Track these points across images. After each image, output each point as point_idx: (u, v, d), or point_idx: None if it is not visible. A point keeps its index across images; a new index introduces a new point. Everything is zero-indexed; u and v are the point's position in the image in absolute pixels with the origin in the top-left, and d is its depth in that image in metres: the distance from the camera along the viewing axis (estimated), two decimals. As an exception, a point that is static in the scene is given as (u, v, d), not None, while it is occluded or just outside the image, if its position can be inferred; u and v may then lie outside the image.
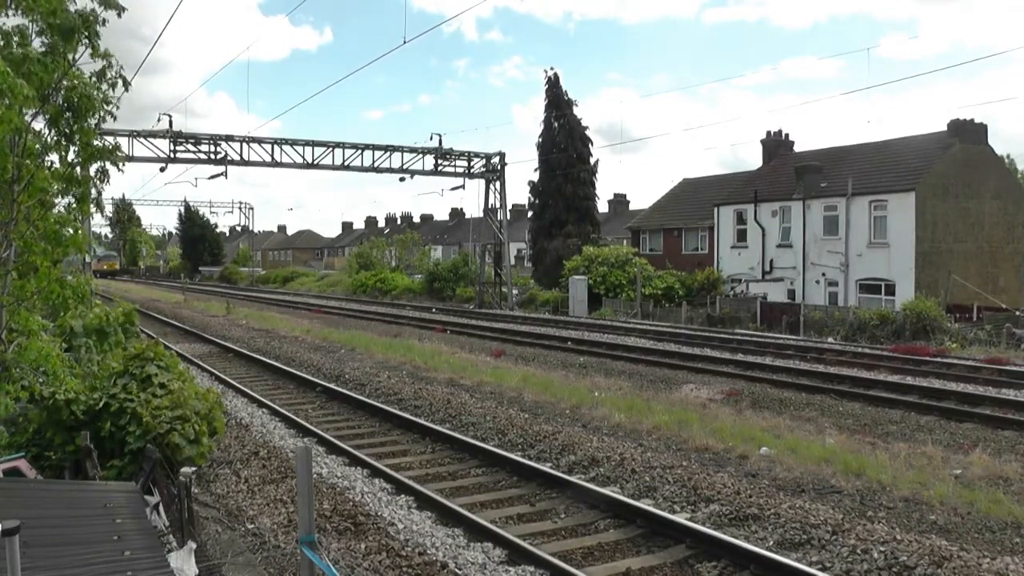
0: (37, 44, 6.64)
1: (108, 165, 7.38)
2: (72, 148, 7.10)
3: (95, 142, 7.15)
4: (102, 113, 6.99)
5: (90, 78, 6.84)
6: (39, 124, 7.00)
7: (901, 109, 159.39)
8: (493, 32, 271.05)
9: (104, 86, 6.89)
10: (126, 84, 7.01)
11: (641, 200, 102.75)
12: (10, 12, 6.43)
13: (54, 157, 7.18)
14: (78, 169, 7.23)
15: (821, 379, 16.34)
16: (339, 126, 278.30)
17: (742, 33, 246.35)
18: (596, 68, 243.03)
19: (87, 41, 6.64)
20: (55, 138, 6.98)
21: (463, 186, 40.63)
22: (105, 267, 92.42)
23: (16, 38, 6.43)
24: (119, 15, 6.81)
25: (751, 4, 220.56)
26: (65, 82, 6.71)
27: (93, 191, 7.32)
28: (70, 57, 6.69)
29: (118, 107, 7.13)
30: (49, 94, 6.67)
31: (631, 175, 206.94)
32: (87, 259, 29.41)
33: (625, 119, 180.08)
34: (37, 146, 6.90)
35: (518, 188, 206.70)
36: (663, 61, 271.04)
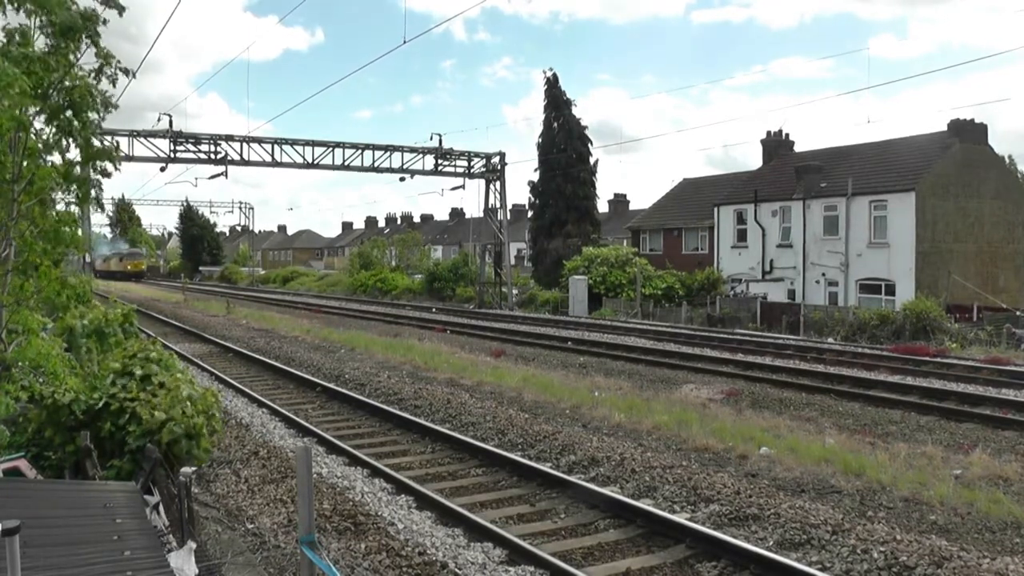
0: (41, 44, 6.66)
1: (108, 165, 7.40)
2: (72, 146, 7.12)
3: (95, 141, 7.17)
4: (101, 112, 7.01)
5: (88, 74, 6.86)
6: (39, 123, 7.02)
7: (893, 110, 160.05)
8: (482, 33, 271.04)
9: (104, 82, 6.91)
10: (127, 74, 7.02)
11: (639, 200, 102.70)
12: (10, 10, 6.45)
13: (55, 157, 7.20)
14: (78, 168, 7.24)
15: (821, 379, 16.34)
16: (332, 126, 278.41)
17: (729, 33, 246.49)
18: (585, 69, 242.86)
19: (89, 40, 6.66)
20: (56, 136, 6.99)
21: (463, 186, 40.65)
22: (129, 267, 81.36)
23: (18, 37, 6.45)
24: (120, 14, 6.84)
25: (737, 4, 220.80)
26: (67, 82, 6.73)
27: (93, 191, 7.33)
28: (71, 57, 6.71)
29: (117, 106, 7.15)
30: (50, 93, 6.69)
31: (625, 175, 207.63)
32: (87, 258, 29.38)
33: (618, 120, 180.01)
34: (39, 144, 6.91)
35: (518, 188, 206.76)
36: (652, 62, 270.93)
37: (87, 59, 6.91)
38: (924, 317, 23.49)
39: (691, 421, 11.54)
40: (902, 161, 32.72)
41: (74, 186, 7.21)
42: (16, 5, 6.38)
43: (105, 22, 6.78)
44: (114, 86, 6.99)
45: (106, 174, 7.36)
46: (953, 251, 31.20)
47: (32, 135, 6.82)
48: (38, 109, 6.73)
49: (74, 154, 7.23)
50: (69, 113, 6.84)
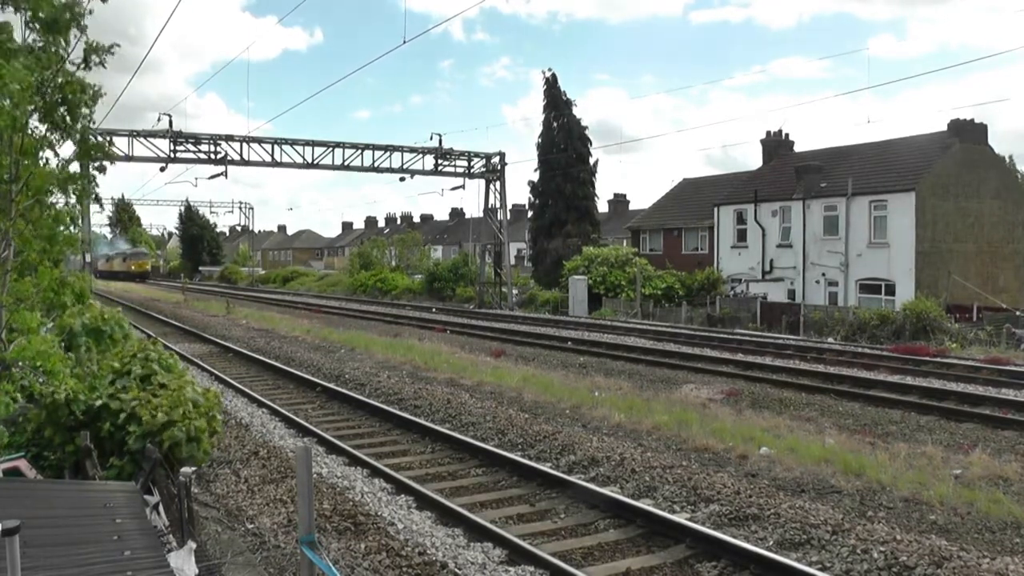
0: (30, 40, 6.66)
1: (104, 161, 7.42)
2: (68, 143, 7.13)
3: (89, 138, 7.17)
4: (92, 105, 7.00)
5: (78, 68, 6.86)
6: (34, 121, 7.02)
7: (893, 110, 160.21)
8: (480, 33, 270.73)
9: (90, 70, 6.91)
10: (109, 52, 7.00)
11: (639, 200, 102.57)
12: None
13: (50, 155, 7.21)
14: (75, 165, 7.25)
15: (821, 379, 16.33)
16: (330, 127, 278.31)
17: (728, 33, 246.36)
18: (584, 68, 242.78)
19: (78, 31, 6.66)
20: (51, 133, 6.99)
21: (463, 186, 40.66)
22: (133, 267, 79.25)
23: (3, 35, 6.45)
24: (104, 1, 6.83)
25: (736, 4, 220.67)
26: (60, 79, 6.73)
27: (92, 185, 7.35)
28: (61, 53, 6.71)
29: (104, 94, 7.14)
30: (43, 90, 6.69)
31: (625, 175, 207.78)
32: (87, 258, 29.37)
33: (616, 120, 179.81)
34: (34, 142, 6.91)
35: (518, 188, 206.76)
36: (651, 62, 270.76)
37: (75, 54, 6.92)
38: (924, 317, 23.48)
39: (691, 421, 11.54)
40: (902, 161, 32.71)
41: (71, 184, 7.22)
42: (3, 2, 6.38)
43: (90, 12, 6.78)
44: (104, 67, 6.97)
45: (102, 170, 7.36)
46: (953, 251, 31.19)
47: (28, 133, 6.81)
48: (33, 107, 6.73)
49: (68, 151, 7.25)
50: (63, 110, 6.84)
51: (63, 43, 6.67)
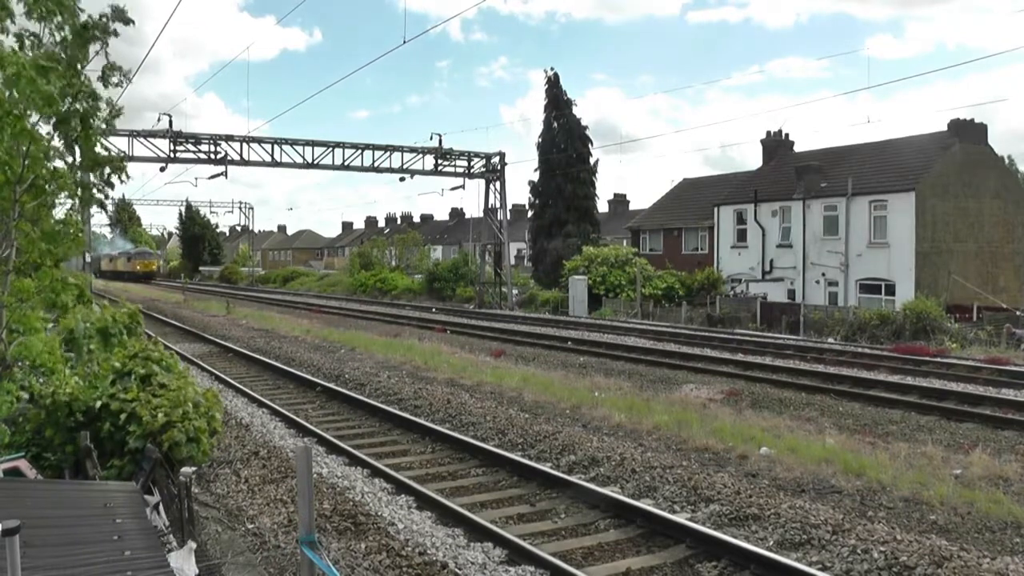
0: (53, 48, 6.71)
1: (113, 176, 7.46)
2: (76, 152, 7.16)
3: (99, 150, 7.23)
4: (108, 121, 7.06)
5: (98, 79, 6.93)
6: (44, 129, 7.04)
7: (891, 110, 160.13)
8: (478, 33, 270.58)
9: (108, 89, 6.97)
10: (126, 78, 7.08)
11: (638, 200, 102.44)
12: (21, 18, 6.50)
13: (58, 161, 7.24)
14: (79, 174, 7.28)
15: (821, 379, 16.33)
16: (329, 127, 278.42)
17: (725, 33, 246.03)
18: (581, 68, 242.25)
19: (101, 47, 6.73)
20: (62, 142, 7.03)
21: (463, 186, 40.68)
22: (139, 267, 77.86)
23: (30, 40, 6.49)
24: (126, 24, 6.92)
25: (734, 4, 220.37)
26: (75, 88, 6.78)
27: (98, 193, 7.39)
28: (78, 66, 6.76)
29: (122, 112, 7.21)
30: (62, 101, 6.72)
31: (622, 176, 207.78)
32: (87, 258, 29.37)
33: (614, 119, 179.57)
34: (44, 149, 6.94)
35: (518, 188, 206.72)
36: (649, 61, 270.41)
37: (92, 67, 6.99)
38: (924, 317, 23.48)
39: (691, 421, 11.54)
40: (902, 161, 32.71)
41: (78, 190, 7.26)
42: (31, 11, 6.42)
43: (116, 34, 6.84)
44: (121, 87, 7.06)
45: (110, 184, 7.40)
46: (953, 251, 31.19)
47: (37, 139, 6.83)
48: (43, 115, 6.75)
49: (78, 160, 7.28)
50: (76, 122, 6.88)
51: (81, 56, 6.74)
